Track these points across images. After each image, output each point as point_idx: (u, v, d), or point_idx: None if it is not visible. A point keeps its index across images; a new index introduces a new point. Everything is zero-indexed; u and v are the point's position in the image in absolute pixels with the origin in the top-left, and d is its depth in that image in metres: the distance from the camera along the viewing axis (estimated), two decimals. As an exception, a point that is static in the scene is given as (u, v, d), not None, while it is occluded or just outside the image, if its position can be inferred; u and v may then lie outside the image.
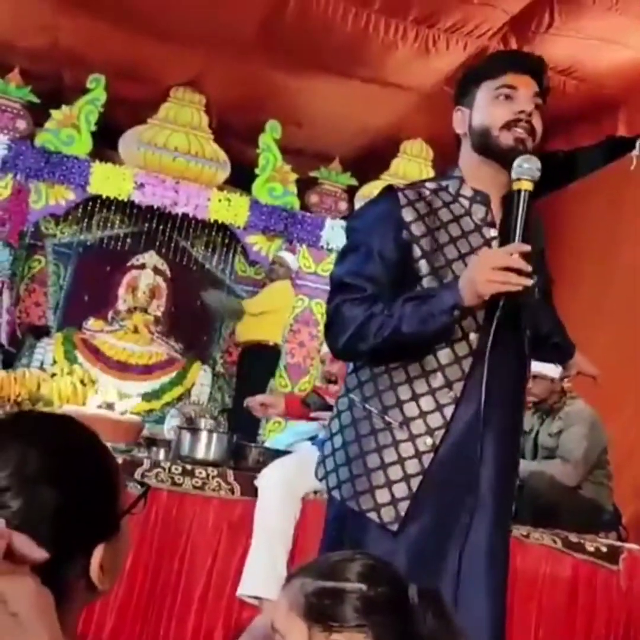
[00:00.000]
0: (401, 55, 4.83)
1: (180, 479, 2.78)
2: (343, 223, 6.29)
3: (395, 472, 1.66)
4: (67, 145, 5.76)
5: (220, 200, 6.02)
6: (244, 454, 3.13)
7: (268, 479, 2.79)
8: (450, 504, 1.66)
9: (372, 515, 1.66)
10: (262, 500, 2.77)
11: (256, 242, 6.17)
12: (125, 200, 5.88)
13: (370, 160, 6.31)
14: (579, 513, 3.35)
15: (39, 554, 0.64)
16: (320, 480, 1.80)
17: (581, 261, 5.03)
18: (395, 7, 4.46)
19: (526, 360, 1.79)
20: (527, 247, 1.58)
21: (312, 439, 3.25)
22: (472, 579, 1.63)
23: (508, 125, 1.70)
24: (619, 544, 3.17)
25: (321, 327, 6.31)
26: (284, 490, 2.73)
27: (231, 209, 6.04)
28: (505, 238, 1.69)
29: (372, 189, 5.89)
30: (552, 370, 3.60)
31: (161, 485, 2.74)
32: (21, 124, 5.71)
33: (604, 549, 2.96)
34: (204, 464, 2.89)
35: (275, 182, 6.18)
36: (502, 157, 1.70)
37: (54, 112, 5.80)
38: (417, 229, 1.72)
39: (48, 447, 0.78)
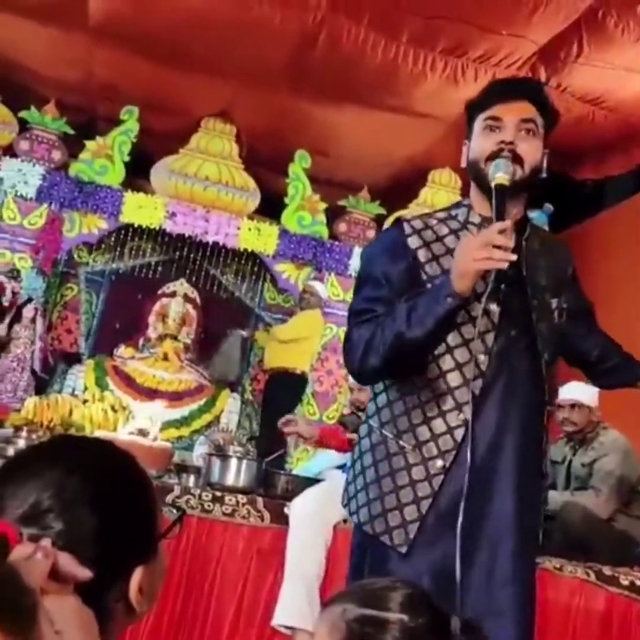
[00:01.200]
0: (430, 86, 4.87)
1: (210, 506, 2.78)
2: (372, 251, 6.32)
3: (406, 495, 1.68)
4: (100, 175, 5.87)
5: (250, 229, 6.08)
6: (273, 482, 3.13)
7: (299, 509, 2.79)
8: (467, 527, 1.64)
9: (385, 538, 1.68)
10: (293, 529, 2.76)
11: (285, 270, 6.21)
12: (157, 229, 5.97)
13: (398, 189, 6.34)
14: (612, 545, 3.29)
15: (83, 573, 0.65)
16: (345, 506, 1.82)
17: (613, 287, 4.99)
18: (424, 38, 4.51)
19: (544, 385, 1.77)
20: (507, 224, 1.57)
21: (341, 467, 3.24)
22: (495, 610, 1.61)
23: (491, 157, 1.70)
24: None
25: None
26: (315, 519, 2.72)
27: (261, 238, 6.10)
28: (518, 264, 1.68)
29: (400, 218, 5.90)
30: (589, 399, 3.56)
31: (192, 512, 2.75)
32: (56, 155, 5.84)
33: (639, 583, 2.91)
34: (234, 491, 2.90)
35: (304, 211, 6.23)
36: (487, 188, 1.70)
37: (88, 143, 5.92)
38: (422, 256, 1.74)
39: (88, 470, 0.80)
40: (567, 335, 1.90)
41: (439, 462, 1.67)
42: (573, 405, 3.58)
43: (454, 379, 1.69)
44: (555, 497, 3.56)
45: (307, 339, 5.82)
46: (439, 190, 6.26)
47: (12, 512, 0.75)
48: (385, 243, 1.81)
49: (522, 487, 1.71)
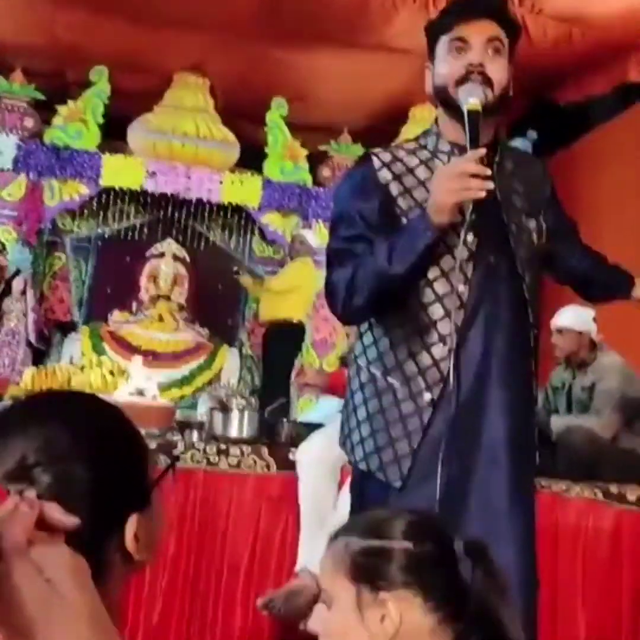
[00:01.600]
0: (402, 19, 4.76)
1: (215, 459, 2.79)
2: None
3: (397, 431, 1.68)
4: (76, 140, 5.78)
5: (232, 182, 6.01)
6: (276, 430, 3.14)
7: (306, 453, 2.80)
8: (458, 457, 1.65)
9: (380, 475, 1.69)
10: (302, 474, 2.78)
11: (272, 221, 6.16)
12: (139, 190, 5.90)
13: (379, 128, 6.25)
14: (618, 464, 3.31)
15: (70, 521, 0.65)
16: (342, 446, 1.82)
17: (599, 214, 4.95)
18: (392, -30, 4.40)
19: (527, 309, 1.75)
20: (482, 151, 1.55)
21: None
22: (493, 536, 1.62)
23: (460, 81, 1.65)
24: (660, 491, 3.14)
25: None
26: (323, 462, 2.74)
27: (244, 190, 6.03)
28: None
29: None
30: (579, 323, 3.56)
31: (197, 466, 2.76)
32: (29, 123, 5.74)
33: (646, 497, 2.94)
34: (238, 442, 2.91)
35: (285, 159, 6.15)
36: (456, 113, 1.66)
37: (60, 108, 5.81)
38: (394, 189, 1.72)
39: (74, 422, 0.79)
40: (552, 256, 1.87)
41: (427, 396, 1.67)
42: (560, 331, 3.60)
43: (435, 311, 1.68)
44: (558, 422, 3.59)
45: (300, 288, 5.79)
46: (420, 126, 6.16)
47: None
48: (355, 180, 1.77)
49: (512, 413, 1.71)
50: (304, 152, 6.19)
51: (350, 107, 6.14)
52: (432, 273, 1.68)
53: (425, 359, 1.68)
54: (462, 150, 1.67)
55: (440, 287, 1.68)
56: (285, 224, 6.15)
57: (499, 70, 1.67)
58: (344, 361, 3.22)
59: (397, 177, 1.72)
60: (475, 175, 1.51)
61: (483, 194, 1.52)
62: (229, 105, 6.20)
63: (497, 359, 1.70)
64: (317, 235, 6.14)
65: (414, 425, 1.67)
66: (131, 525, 0.78)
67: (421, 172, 1.73)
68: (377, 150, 1.80)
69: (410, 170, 1.73)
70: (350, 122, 6.38)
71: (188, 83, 6.04)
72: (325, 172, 6.28)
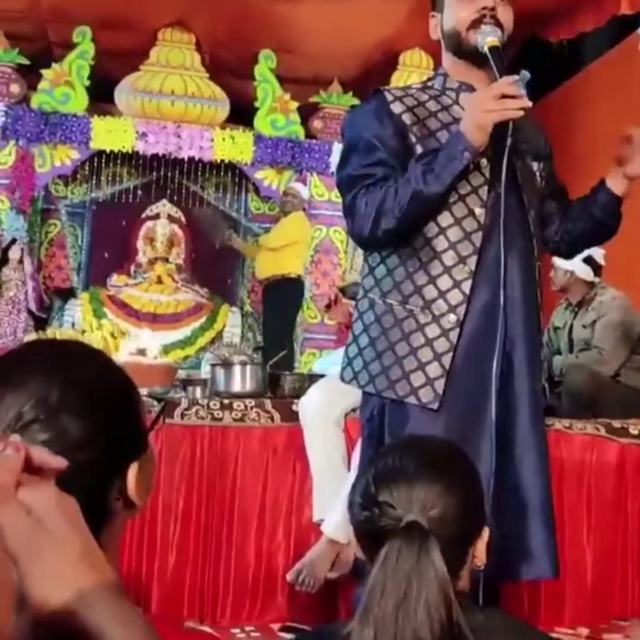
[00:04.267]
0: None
1: (219, 414, 2.81)
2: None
3: (425, 354, 1.72)
4: (63, 104, 5.71)
5: (223, 139, 5.95)
6: (279, 383, 3.15)
7: (309, 403, 2.81)
8: (482, 374, 1.71)
9: (411, 399, 1.71)
10: (306, 424, 2.79)
11: (266, 176, 6.11)
12: (130, 151, 5.84)
13: (369, 77, 6.16)
14: (620, 400, 3.33)
15: (58, 462, 0.65)
16: (349, 382, 1.84)
17: (603, 143, 4.90)
18: None
19: (533, 239, 1.81)
20: (515, 77, 1.62)
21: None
22: (515, 454, 1.69)
23: (474, 25, 1.72)
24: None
25: (342, 254, 6.29)
26: (326, 409, 2.75)
27: (236, 147, 5.97)
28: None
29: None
30: (566, 263, 3.55)
31: (202, 422, 2.77)
32: (15, 88, 5.66)
33: (649, 431, 2.96)
34: (241, 396, 2.92)
35: (276, 114, 6.08)
36: (474, 57, 1.75)
37: (45, 72, 5.73)
38: (408, 119, 1.77)
39: (68, 374, 0.78)
40: (547, 214, 1.91)
41: (452, 317, 1.71)
42: (553, 267, 3.63)
43: (453, 234, 1.72)
44: (560, 361, 3.60)
45: (296, 243, 5.77)
46: (412, 73, 6.07)
47: None
48: (369, 108, 1.81)
49: (530, 340, 1.78)
50: (294, 105, 6.11)
51: (339, 57, 6.05)
52: (450, 197, 1.72)
53: (445, 281, 1.72)
54: (469, 87, 1.78)
55: (458, 210, 1.73)
56: (280, 179, 6.10)
57: (507, 16, 1.76)
58: (343, 291, 3.23)
59: (409, 109, 1.77)
60: (511, 97, 1.59)
61: (522, 113, 1.60)
62: (216, 61, 6.11)
63: (515, 286, 1.75)
64: (312, 189, 6.09)
65: (443, 347, 1.71)
66: (133, 473, 0.78)
67: (432, 105, 1.79)
68: (388, 87, 1.87)
69: (421, 103, 1.79)
70: (340, 72, 6.28)
71: (173, 40, 5.95)
72: (317, 124, 6.21)
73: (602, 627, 2.67)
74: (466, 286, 1.71)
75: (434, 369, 1.71)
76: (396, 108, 1.77)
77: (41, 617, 0.58)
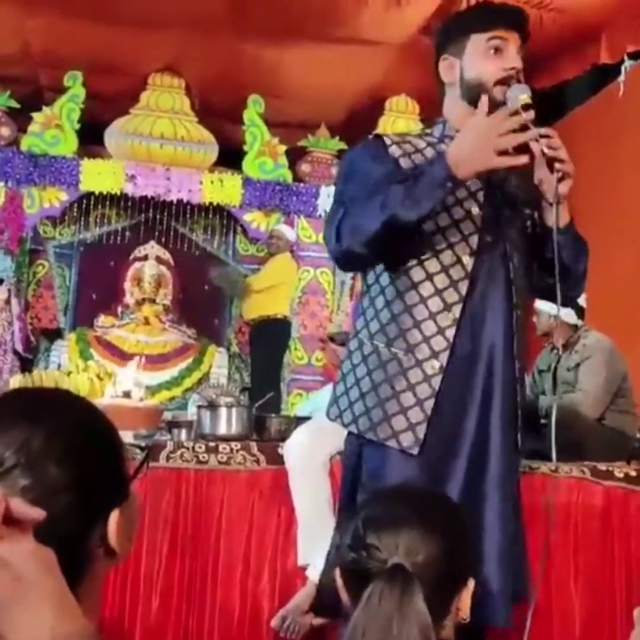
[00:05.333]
0: (373, 11, 4.77)
1: (205, 457, 2.79)
2: (338, 188, 6.26)
3: (407, 399, 1.73)
4: (53, 147, 5.76)
5: (212, 182, 6.01)
6: (265, 426, 3.14)
7: (294, 445, 2.80)
8: (458, 420, 1.74)
9: (392, 442, 1.73)
10: (292, 471, 2.78)
11: (254, 219, 6.16)
12: (119, 193, 5.88)
13: (356, 122, 6.26)
14: (605, 443, 3.34)
15: (36, 513, 0.65)
16: (334, 419, 1.86)
17: (588, 192, 4.99)
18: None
19: (511, 288, 1.81)
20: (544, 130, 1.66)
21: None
22: (485, 502, 1.70)
23: (501, 82, 1.74)
24: (648, 467, 3.17)
25: (329, 295, 6.32)
26: (312, 450, 2.74)
27: (224, 190, 6.03)
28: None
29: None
30: (548, 306, 3.58)
31: (187, 465, 2.76)
32: (5, 131, 5.72)
33: (633, 474, 2.96)
34: (227, 439, 2.91)
35: (265, 157, 6.15)
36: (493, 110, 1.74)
37: (36, 115, 5.79)
38: (404, 164, 1.79)
39: (50, 421, 0.79)
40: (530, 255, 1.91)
41: (435, 363, 1.73)
42: (535, 312, 3.66)
43: (440, 281, 1.74)
44: (544, 403, 3.61)
45: (283, 284, 5.80)
46: (398, 118, 6.19)
47: None
48: (368, 148, 1.84)
49: (509, 390, 1.79)
50: (282, 149, 6.19)
51: (326, 102, 6.15)
52: (438, 244, 1.74)
53: (430, 326, 1.73)
54: None
55: (446, 257, 1.74)
56: (268, 221, 6.15)
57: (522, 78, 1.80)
58: (332, 338, 3.27)
59: (406, 154, 1.80)
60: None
61: (526, 161, 1.61)
62: (206, 105, 6.20)
63: (497, 335, 1.77)
64: (300, 231, 6.14)
65: (425, 392, 1.72)
66: (113, 520, 0.79)
67: (428, 152, 1.81)
68: (386, 133, 1.91)
69: (419, 150, 1.82)
70: (328, 117, 6.38)
71: (163, 84, 6.04)
72: (305, 168, 6.29)
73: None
74: (450, 333, 1.73)
75: (415, 414, 1.72)
76: (394, 152, 1.79)
77: None
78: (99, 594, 0.81)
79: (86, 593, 0.69)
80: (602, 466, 2.98)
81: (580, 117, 5.43)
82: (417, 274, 1.75)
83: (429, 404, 1.71)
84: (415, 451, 1.71)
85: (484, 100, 1.67)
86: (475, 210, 1.76)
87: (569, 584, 2.79)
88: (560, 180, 1.70)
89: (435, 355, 1.72)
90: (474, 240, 1.75)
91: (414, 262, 1.75)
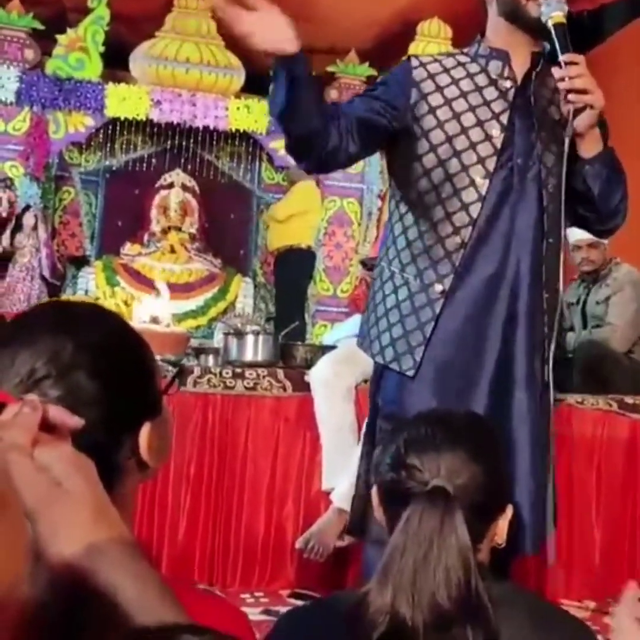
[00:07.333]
0: None
1: (232, 382, 2.82)
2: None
3: (411, 323, 1.75)
4: (77, 70, 5.68)
5: (238, 109, 5.91)
6: (291, 353, 3.15)
7: (319, 373, 2.82)
8: (476, 346, 1.72)
9: (394, 365, 1.75)
10: (318, 399, 2.80)
11: (280, 146, 6.05)
12: (144, 119, 5.82)
13: (386, 47, 6.09)
14: (632, 376, 3.32)
15: (74, 421, 0.65)
16: (360, 345, 1.88)
17: (620, 125, 4.84)
18: None
19: (544, 214, 1.75)
20: (580, 56, 1.60)
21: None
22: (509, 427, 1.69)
23: None
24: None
25: (356, 226, 6.26)
26: (335, 385, 2.76)
27: (251, 116, 5.93)
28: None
29: (392, 77, 5.70)
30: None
31: (214, 390, 2.79)
32: (29, 54, 5.63)
33: (661, 407, 2.96)
34: (254, 365, 2.93)
35: (292, 83, 6.02)
36: (529, 26, 1.70)
37: (60, 37, 5.69)
38: (426, 87, 1.75)
39: (81, 332, 0.79)
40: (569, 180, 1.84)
41: (438, 287, 1.72)
42: (591, 244, 3.51)
43: (451, 204, 1.72)
44: (573, 338, 3.59)
45: (306, 213, 5.72)
46: (429, 43, 6.00)
47: (8, 383, 0.74)
48: (395, 71, 1.82)
49: (532, 317, 1.74)
50: (310, 74, 6.05)
51: (356, 27, 5.97)
52: (453, 168, 1.71)
53: (438, 251, 1.73)
54: (500, 54, 1.75)
55: (459, 180, 1.71)
56: (294, 149, 6.05)
57: None
58: (364, 263, 3.34)
59: (431, 76, 1.76)
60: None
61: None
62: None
63: (522, 258, 1.72)
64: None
65: (426, 316, 1.73)
66: (145, 433, 0.79)
67: (456, 72, 1.77)
68: (418, 54, 1.88)
69: (447, 70, 1.77)
70: (357, 43, 6.21)
71: (189, 7, 5.89)
72: (332, 94, 6.15)
73: (608, 600, 2.69)
74: (456, 257, 1.71)
75: (415, 338, 1.73)
76: (417, 75, 1.76)
77: (57, 573, 0.59)
78: (133, 506, 0.83)
79: (120, 504, 0.69)
80: (629, 399, 2.97)
81: (621, 41, 5.23)
82: (430, 198, 1.73)
83: (429, 328, 1.72)
84: (411, 373, 1.72)
85: None
86: (496, 132, 1.71)
87: (591, 515, 2.82)
88: (578, 112, 1.63)
89: (440, 279, 1.72)
90: (491, 162, 1.70)
91: (429, 187, 1.73)
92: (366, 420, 1.97)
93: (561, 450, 2.63)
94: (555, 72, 1.62)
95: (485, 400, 1.70)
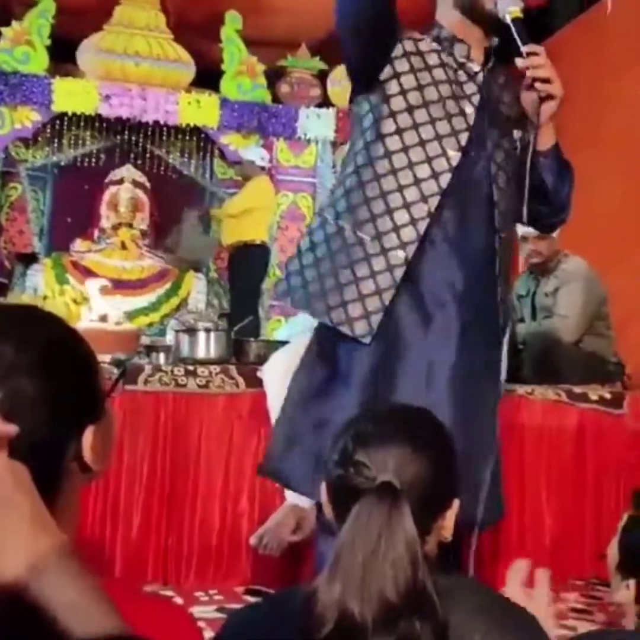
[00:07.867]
0: None
1: (183, 380, 2.79)
2: (318, 110, 6.13)
3: (367, 286, 1.68)
4: (23, 64, 5.58)
5: (189, 103, 5.87)
6: (244, 350, 3.14)
7: (272, 369, 2.81)
8: (423, 316, 1.70)
9: (345, 328, 1.69)
10: (271, 394, 2.79)
11: (231, 141, 6.04)
12: (93, 114, 5.74)
13: (338, 41, 6.08)
14: (581, 366, 3.38)
15: (7, 428, 0.64)
16: (281, 297, 1.82)
17: (572, 114, 4.92)
18: None
19: (493, 209, 1.75)
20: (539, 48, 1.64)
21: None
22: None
23: None
24: (622, 390, 3.22)
25: (308, 221, 6.26)
26: (289, 374, 2.75)
27: (202, 111, 5.89)
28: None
29: (344, 71, 5.71)
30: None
31: (166, 389, 2.76)
32: (-27, 47, 5.52)
33: (608, 396, 3.01)
34: (206, 363, 2.91)
35: (243, 77, 6.00)
36: (484, 20, 1.72)
37: (4, 30, 5.60)
38: (409, 46, 1.72)
39: (21, 336, 0.78)
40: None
41: (401, 253, 1.68)
42: (538, 236, 3.54)
43: (422, 171, 1.69)
44: (523, 329, 3.64)
45: (259, 208, 5.70)
46: (380, 37, 6.02)
47: None
48: None
49: (483, 308, 1.74)
50: (261, 68, 6.03)
51: (306, 20, 5.96)
52: (426, 134, 1.69)
53: (402, 216, 1.68)
54: (454, 40, 1.74)
55: (431, 149, 1.69)
56: (246, 144, 6.03)
57: None
58: None
59: (405, 55, 1.72)
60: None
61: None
62: (182, 22, 5.99)
63: (469, 246, 1.72)
64: (279, 154, 6.03)
65: (386, 282, 1.68)
66: (88, 436, 0.78)
67: (431, 59, 1.74)
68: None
69: (421, 54, 1.74)
70: (309, 37, 6.21)
71: (137, -1, 5.83)
72: (284, 88, 6.15)
73: (559, 586, 2.74)
74: (422, 225, 1.68)
75: (372, 303, 1.68)
76: (402, 48, 1.72)
77: None
78: (76, 510, 0.82)
79: (62, 508, 0.69)
80: (577, 389, 3.02)
81: (569, 35, 5.31)
82: (399, 160, 1.69)
83: (388, 295, 1.67)
84: (367, 340, 1.67)
85: None
86: (469, 109, 1.72)
87: (541, 502, 2.86)
88: (542, 101, 1.66)
89: (402, 246, 1.67)
90: (464, 137, 1.70)
91: (399, 147, 1.70)
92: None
93: (512, 440, 2.68)
94: (519, 62, 1.64)
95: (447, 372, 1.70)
